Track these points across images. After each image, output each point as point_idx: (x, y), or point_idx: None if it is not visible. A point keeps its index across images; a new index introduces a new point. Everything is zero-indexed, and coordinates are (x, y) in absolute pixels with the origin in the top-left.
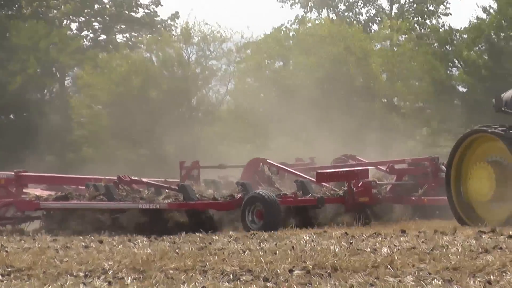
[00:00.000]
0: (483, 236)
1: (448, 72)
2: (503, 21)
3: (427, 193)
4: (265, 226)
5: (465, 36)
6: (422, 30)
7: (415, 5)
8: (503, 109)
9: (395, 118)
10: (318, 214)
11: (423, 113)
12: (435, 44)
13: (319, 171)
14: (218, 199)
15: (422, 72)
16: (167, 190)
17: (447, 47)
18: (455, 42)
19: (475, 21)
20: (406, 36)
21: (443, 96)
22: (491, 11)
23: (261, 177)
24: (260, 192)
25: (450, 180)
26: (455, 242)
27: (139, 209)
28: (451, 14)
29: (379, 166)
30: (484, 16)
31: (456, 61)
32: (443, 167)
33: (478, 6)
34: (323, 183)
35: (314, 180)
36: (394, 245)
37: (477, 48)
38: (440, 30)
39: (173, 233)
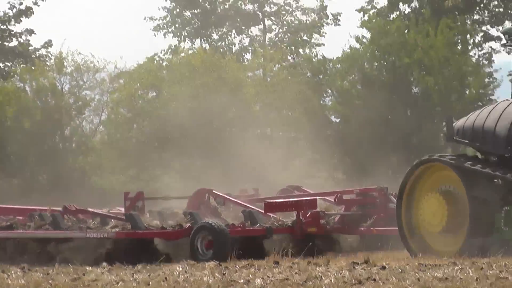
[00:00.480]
0: (356, 267)
1: (321, 102)
2: (376, 51)
3: (376, 224)
4: (214, 255)
5: (338, 65)
6: (296, 59)
7: (288, 35)
8: (455, 138)
9: (268, 149)
10: (266, 244)
11: (296, 143)
12: (309, 74)
13: (268, 201)
14: (166, 229)
15: (295, 102)
16: (112, 220)
17: (320, 76)
18: (328, 71)
19: (348, 50)
20: (279, 65)
21: (316, 126)
22: (364, 40)
23: (206, 208)
24: (210, 222)
25: (401, 210)
26: (328, 273)
27: (86, 238)
28: (324, 44)
29: (326, 197)
30: (357, 45)
31: (330, 91)
32: (392, 197)
33: (351, 36)
34: (271, 214)
35: (262, 210)
36: (268, 276)
37: (350, 77)
38: (314, 59)
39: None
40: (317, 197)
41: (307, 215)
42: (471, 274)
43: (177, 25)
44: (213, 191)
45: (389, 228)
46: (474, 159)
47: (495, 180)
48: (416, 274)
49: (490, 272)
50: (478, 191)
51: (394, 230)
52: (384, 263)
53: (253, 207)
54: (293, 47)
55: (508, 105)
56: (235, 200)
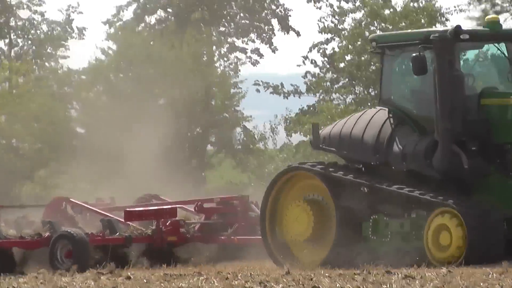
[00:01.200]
0: (101, 277)
1: (67, 113)
2: (121, 63)
3: (237, 232)
4: (74, 264)
5: (84, 77)
6: (42, 72)
7: (34, 47)
8: (321, 146)
9: (13, 160)
10: (126, 253)
11: (41, 155)
12: (54, 86)
13: (128, 209)
14: (25, 238)
15: (41, 113)
16: None
17: (66, 88)
18: (73, 83)
19: (94, 62)
20: (24, 77)
21: (62, 137)
22: (110, 52)
23: (63, 217)
24: (69, 231)
25: (265, 219)
26: (74, 283)
27: None
28: (69, 57)
29: (185, 206)
30: (103, 57)
31: (75, 102)
32: (253, 206)
33: (97, 47)
34: (130, 222)
35: (120, 219)
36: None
37: (95, 89)
38: (59, 71)
39: None
40: (177, 206)
41: (167, 224)
42: (216, 284)
43: None
44: (70, 199)
45: (251, 237)
46: (341, 168)
47: (362, 189)
48: (162, 284)
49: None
50: (345, 200)
51: (255, 239)
52: (129, 273)
53: (111, 215)
54: (38, 60)
55: (375, 113)
56: (93, 208)
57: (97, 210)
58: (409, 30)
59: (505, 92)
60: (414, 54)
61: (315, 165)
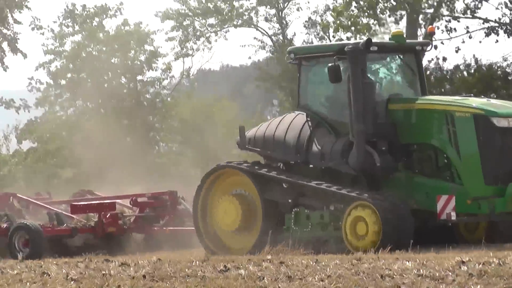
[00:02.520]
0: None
1: None
2: None
3: (168, 224)
4: (31, 253)
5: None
6: None
7: None
8: (247, 146)
9: None
10: (71, 242)
11: None
12: None
13: (74, 203)
14: None
15: None
16: None
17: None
18: None
19: None
20: None
21: None
22: None
23: (11, 210)
24: (26, 222)
25: (198, 211)
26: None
27: None
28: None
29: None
30: None
31: None
32: (181, 200)
33: None
34: (74, 215)
35: (63, 212)
36: None
37: None
38: None
39: None
40: (116, 200)
41: (107, 216)
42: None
43: None
44: (17, 194)
45: (180, 228)
46: (266, 166)
47: (284, 185)
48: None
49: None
50: (269, 194)
51: (184, 230)
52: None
53: (54, 208)
54: None
55: (295, 117)
56: (38, 202)
57: (41, 204)
58: (324, 43)
59: (409, 98)
60: (330, 64)
61: (242, 163)
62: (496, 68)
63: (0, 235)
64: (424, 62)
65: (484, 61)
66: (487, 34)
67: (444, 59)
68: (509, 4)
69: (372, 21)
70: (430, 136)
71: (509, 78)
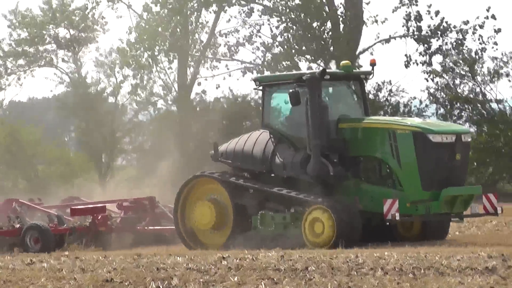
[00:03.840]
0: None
1: None
2: None
3: (148, 224)
4: (42, 249)
5: None
6: None
7: None
8: (219, 159)
9: None
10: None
11: None
12: None
13: (73, 207)
14: (2, 228)
15: None
16: None
17: None
18: None
19: None
20: None
21: None
22: None
23: (14, 213)
24: (37, 223)
25: (178, 213)
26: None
27: None
28: None
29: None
30: None
31: None
32: (159, 204)
33: None
34: (74, 217)
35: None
36: None
37: None
38: None
39: None
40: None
41: (99, 218)
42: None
43: None
44: (19, 200)
45: (158, 228)
46: (236, 175)
47: (251, 191)
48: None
49: None
50: (239, 199)
51: (162, 229)
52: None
53: (51, 211)
54: None
55: (260, 134)
56: (38, 207)
57: (40, 208)
58: (284, 73)
59: (356, 118)
60: (290, 90)
61: (214, 173)
62: (250, 99)
63: (14, 235)
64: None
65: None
66: (244, 73)
67: (204, 92)
68: (261, 48)
69: (150, 60)
70: (375, 149)
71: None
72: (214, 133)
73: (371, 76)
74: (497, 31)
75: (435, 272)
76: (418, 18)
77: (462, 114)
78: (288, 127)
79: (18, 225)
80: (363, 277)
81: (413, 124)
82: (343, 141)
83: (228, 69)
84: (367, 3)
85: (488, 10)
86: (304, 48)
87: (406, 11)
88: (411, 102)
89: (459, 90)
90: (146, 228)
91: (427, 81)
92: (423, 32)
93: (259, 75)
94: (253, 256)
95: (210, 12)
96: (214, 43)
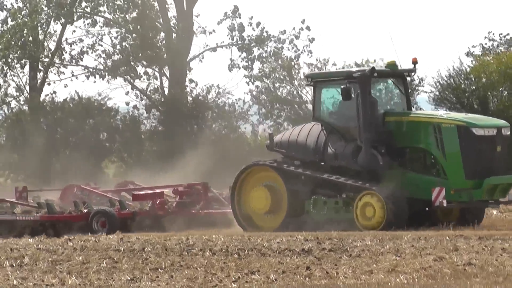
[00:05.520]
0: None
1: None
2: None
3: (202, 208)
4: (108, 231)
5: None
6: None
7: None
8: (275, 149)
9: None
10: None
11: None
12: None
13: (135, 192)
14: (72, 213)
15: None
16: (18, 206)
17: None
18: None
19: None
20: None
21: None
22: None
23: (76, 197)
24: (103, 208)
25: (234, 198)
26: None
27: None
28: None
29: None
30: None
31: None
32: (212, 189)
33: None
34: (137, 201)
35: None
36: None
37: None
38: None
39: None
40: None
41: (157, 203)
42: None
43: None
44: (80, 185)
45: (211, 211)
46: (290, 163)
47: (302, 177)
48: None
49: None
50: (293, 185)
51: (215, 212)
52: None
53: (113, 197)
54: None
55: (312, 126)
56: (99, 192)
57: (100, 192)
58: (335, 70)
59: (401, 112)
60: (342, 86)
61: (270, 161)
62: (93, 100)
63: (82, 219)
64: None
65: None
66: (87, 77)
67: (53, 93)
68: (103, 55)
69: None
70: (420, 141)
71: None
72: (64, 130)
73: (413, 74)
74: (311, 40)
75: (258, 253)
76: (241, 29)
77: (281, 114)
78: (339, 120)
79: (85, 210)
80: (193, 257)
81: (457, 118)
82: (390, 133)
83: (73, 74)
84: (197, 16)
85: (303, 22)
86: (140, 55)
87: (231, 23)
88: (236, 103)
89: (278, 93)
90: (200, 211)
91: (248, 84)
92: (246, 41)
93: (311, 72)
94: (96, 238)
95: (57, 23)
96: (61, 51)
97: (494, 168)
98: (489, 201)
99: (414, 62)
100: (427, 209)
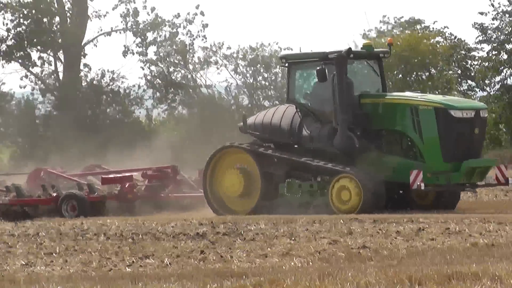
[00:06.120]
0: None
1: None
2: None
3: (171, 191)
4: (78, 215)
5: None
6: None
7: None
8: (248, 131)
9: None
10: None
11: None
12: None
13: (104, 176)
14: (41, 197)
15: None
16: None
17: None
18: None
19: None
20: None
21: None
22: None
23: (42, 182)
24: (73, 192)
25: (206, 181)
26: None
27: None
28: None
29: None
30: None
31: None
32: (181, 172)
33: None
34: (105, 184)
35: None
36: None
37: None
38: None
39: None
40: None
41: (126, 186)
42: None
43: None
44: (48, 169)
45: (180, 194)
46: (264, 146)
47: (275, 160)
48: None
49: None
50: (267, 168)
51: (184, 196)
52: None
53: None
54: None
55: (286, 108)
56: (65, 175)
57: (67, 176)
58: (310, 51)
59: (377, 94)
60: (318, 68)
61: (243, 144)
62: None
63: (51, 203)
64: None
65: None
66: None
67: None
68: None
69: None
70: (396, 123)
71: None
72: None
73: (388, 55)
74: (205, 25)
75: (152, 237)
76: (136, 14)
77: (176, 98)
78: (314, 102)
79: (54, 194)
80: (88, 241)
81: (435, 100)
82: (365, 115)
83: None
84: (92, 0)
85: (197, 7)
86: (35, 40)
87: (125, 8)
88: (132, 89)
89: (173, 77)
90: (170, 195)
91: (143, 69)
92: (140, 26)
93: (285, 53)
94: None
95: None
96: None
97: (472, 150)
98: (466, 184)
99: (390, 43)
100: (401, 192)
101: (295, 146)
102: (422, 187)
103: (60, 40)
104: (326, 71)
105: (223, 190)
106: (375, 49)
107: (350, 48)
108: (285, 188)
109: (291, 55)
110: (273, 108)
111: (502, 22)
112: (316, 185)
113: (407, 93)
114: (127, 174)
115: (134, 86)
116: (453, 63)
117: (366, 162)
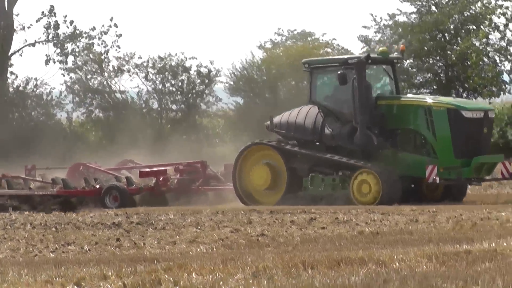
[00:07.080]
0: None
1: None
2: None
3: (201, 184)
4: (120, 206)
5: None
6: None
7: None
8: (275, 129)
9: None
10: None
11: None
12: None
13: (141, 170)
14: (86, 189)
15: None
16: (33, 183)
17: None
18: None
19: None
20: None
21: None
22: None
23: (81, 176)
24: (115, 183)
25: (236, 175)
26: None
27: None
28: None
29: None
30: None
31: None
32: (210, 167)
33: None
34: (142, 178)
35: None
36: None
37: None
38: None
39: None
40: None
41: (161, 179)
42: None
43: None
44: (86, 164)
45: (210, 187)
46: (289, 143)
47: (298, 156)
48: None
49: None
50: (292, 163)
51: (213, 188)
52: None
53: (115, 173)
54: None
55: (309, 109)
56: (103, 169)
57: (104, 170)
58: (331, 57)
59: (391, 96)
60: (339, 72)
61: (271, 141)
62: None
63: (95, 194)
64: None
65: None
66: None
67: None
68: None
69: None
70: (411, 123)
71: None
72: None
73: (401, 61)
74: (119, 36)
75: (73, 226)
76: (56, 26)
77: (93, 102)
78: (334, 103)
79: (98, 186)
80: (16, 230)
81: (447, 102)
82: (382, 115)
83: None
84: (17, 15)
85: (111, 20)
86: None
87: (47, 21)
88: (53, 93)
89: (90, 83)
90: (200, 188)
91: (64, 76)
92: (60, 38)
93: (309, 59)
94: None
95: None
96: None
97: (481, 148)
98: (472, 178)
99: (402, 50)
100: (412, 186)
101: (317, 143)
102: (437, 181)
103: None
104: (347, 75)
105: (251, 184)
106: (389, 55)
107: (368, 54)
108: (309, 182)
109: (314, 61)
110: (297, 109)
111: (383, 35)
112: (337, 179)
113: (420, 96)
114: (161, 168)
115: (54, 89)
116: None
117: (383, 159)
